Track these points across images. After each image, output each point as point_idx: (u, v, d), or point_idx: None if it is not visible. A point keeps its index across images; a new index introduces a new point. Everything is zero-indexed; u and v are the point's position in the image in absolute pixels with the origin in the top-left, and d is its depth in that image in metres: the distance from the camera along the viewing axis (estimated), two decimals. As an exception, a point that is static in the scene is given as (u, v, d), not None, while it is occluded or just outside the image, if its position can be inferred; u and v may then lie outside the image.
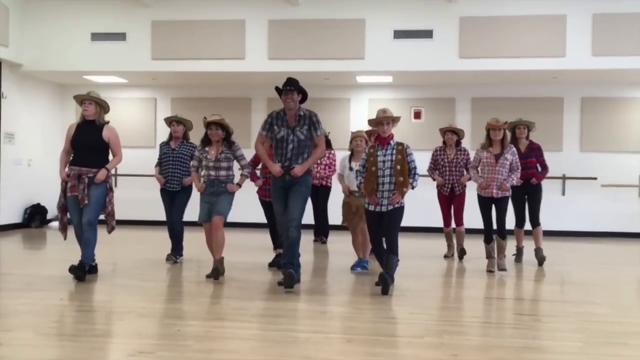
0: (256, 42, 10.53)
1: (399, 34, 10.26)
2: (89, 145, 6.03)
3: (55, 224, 11.64)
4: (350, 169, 6.84)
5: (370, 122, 6.09)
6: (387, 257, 5.67)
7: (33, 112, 11.71)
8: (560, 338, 4.23)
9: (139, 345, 3.90)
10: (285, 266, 5.72)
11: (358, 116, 11.75)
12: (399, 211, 5.80)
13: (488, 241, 6.95)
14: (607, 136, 11.21)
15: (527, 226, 7.59)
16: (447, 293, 6.04)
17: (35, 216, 11.55)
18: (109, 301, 5.38)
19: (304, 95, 5.94)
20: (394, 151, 5.88)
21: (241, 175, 6.36)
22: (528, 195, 7.50)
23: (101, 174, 6.00)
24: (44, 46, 10.84)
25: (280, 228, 6.02)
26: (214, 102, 11.86)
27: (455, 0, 10.03)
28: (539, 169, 7.56)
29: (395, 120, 6.01)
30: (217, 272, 6.10)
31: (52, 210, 11.93)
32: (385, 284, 5.49)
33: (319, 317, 4.85)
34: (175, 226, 7.28)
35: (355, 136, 7.02)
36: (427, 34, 10.21)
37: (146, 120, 12.22)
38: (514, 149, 6.98)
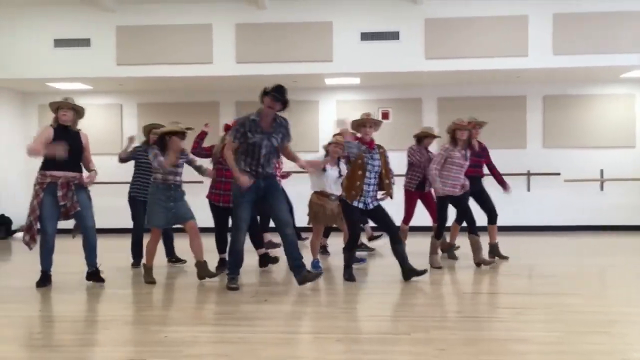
0: (224, 46, 10.51)
1: (366, 36, 10.38)
2: (72, 151, 5.98)
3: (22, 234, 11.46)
4: (324, 170, 6.91)
5: (353, 123, 6.24)
6: (402, 248, 6.24)
7: (-6, 121, 11.43)
8: (542, 329, 4.36)
9: (128, 353, 3.87)
10: (301, 269, 5.82)
11: (326, 118, 11.84)
12: (381, 205, 6.32)
13: (439, 237, 7.18)
14: (569, 132, 11.56)
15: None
16: (425, 290, 6.12)
17: (-1, 227, 11.27)
18: (91, 310, 5.31)
19: (284, 107, 5.79)
20: (379, 155, 6.24)
21: (207, 170, 6.51)
22: (481, 192, 7.53)
23: (93, 176, 6.06)
24: (5, 53, 10.59)
25: (240, 236, 5.85)
26: (181, 107, 11.79)
27: (420, 1, 10.20)
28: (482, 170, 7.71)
29: (377, 124, 6.22)
30: (206, 272, 6.30)
31: (17, 221, 11.65)
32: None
33: (304, 318, 4.89)
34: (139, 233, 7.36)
35: (335, 143, 6.94)
36: (394, 35, 10.35)
37: (112, 127, 12.05)
38: (471, 150, 7.15)
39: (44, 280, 6.10)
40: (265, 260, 7.10)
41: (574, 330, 4.28)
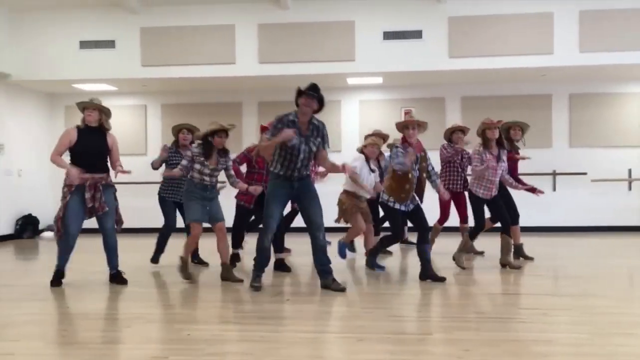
0: (246, 47, 10.55)
1: (389, 35, 10.33)
2: (97, 152, 6.07)
3: (49, 234, 11.63)
4: (372, 170, 6.98)
5: (398, 125, 6.21)
6: (427, 248, 6.24)
7: (22, 122, 11.63)
8: (568, 330, 4.30)
9: (151, 350, 3.90)
10: (327, 274, 5.78)
11: (349, 118, 11.83)
12: (419, 205, 6.30)
13: (473, 238, 7.11)
14: (595, 131, 11.38)
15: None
16: (448, 290, 6.06)
17: (27, 227, 11.46)
18: (115, 308, 5.37)
19: (321, 106, 5.70)
20: (420, 160, 6.18)
21: (238, 184, 6.46)
22: (501, 193, 7.30)
23: (120, 168, 6.08)
24: (32, 55, 10.77)
25: (268, 235, 5.81)
26: (204, 107, 11.87)
27: (443, 0, 10.13)
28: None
29: (421, 125, 6.13)
30: (230, 275, 6.31)
31: (44, 220, 11.84)
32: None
33: (326, 318, 4.88)
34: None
35: (371, 144, 7.06)
36: (417, 34, 10.30)
37: (137, 128, 12.17)
38: (506, 151, 7.04)
39: (59, 279, 6.17)
40: (280, 266, 7.07)
41: (600, 332, 4.21)
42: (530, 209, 10.68)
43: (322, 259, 5.78)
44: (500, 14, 10.14)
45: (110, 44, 10.73)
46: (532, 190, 7.42)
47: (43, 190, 11.92)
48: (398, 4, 10.34)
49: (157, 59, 10.65)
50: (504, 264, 7.00)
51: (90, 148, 6.03)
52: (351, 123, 11.77)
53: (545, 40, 10.07)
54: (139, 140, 12.14)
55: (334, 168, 5.85)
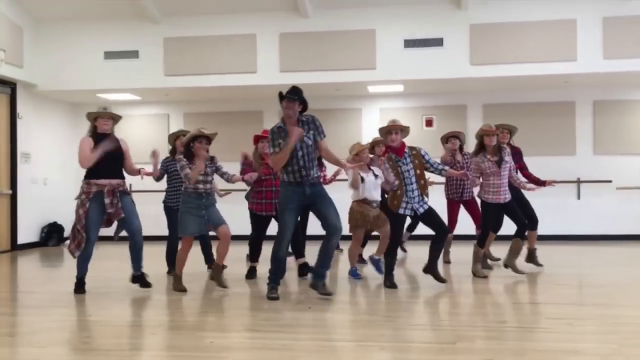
0: (267, 56, 10.61)
1: (410, 43, 10.32)
2: (114, 158, 6.16)
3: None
4: (362, 180, 6.91)
5: (381, 130, 6.30)
6: (439, 248, 6.35)
7: (48, 132, 11.83)
8: (595, 340, 4.22)
9: (174, 357, 3.92)
10: (321, 276, 5.78)
11: (369, 126, 11.77)
12: (432, 207, 6.28)
13: (482, 245, 7.00)
14: (620, 139, 11.21)
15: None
16: (470, 299, 6.00)
17: (52, 234, 11.62)
18: (137, 315, 5.41)
19: (304, 106, 5.76)
20: (412, 158, 6.20)
21: (234, 177, 6.44)
22: (519, 198, 7.27)
23: (145, 170, 6.40)
24: (57, 66, 10.96)
25: (283, 245, 5.75)
26: (226, 116, 11.96)
27: (465, 7, 10.09)
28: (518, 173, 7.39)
29: (404, 129, 6.20)
30: (219, 278, 6.32)
31: (69, 229, 11.97)
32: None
33: (347, 326, 4.86)
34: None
35: (362, 150, 6.96)
36: (438, 42, 10.26)
37: (159, 137, 12.23)
38: (508, 149, 7.01)
39: (82, 287, 6.26)
40: (305, 270, 7.05)
41: (628, 342, 4.12)
42: (554, 217, 10.59)
43: (325, 261, 5.76)
44: (522, 21, 10.07)
45: (134, 54, 10.88)
46: (542, 185, 7.40)
47: (68, 198, 11.98)
48: (419, 12, 10.33)
49: (179, 68, 10.77)
50: (506, 265, 7.03)
51: (109, 154, 6.11)
52: (372, 131, 11.70)
53: (568, 47, 9.96)
54: (161, 149, 12.07)
55: (338, 163, 6.00)
